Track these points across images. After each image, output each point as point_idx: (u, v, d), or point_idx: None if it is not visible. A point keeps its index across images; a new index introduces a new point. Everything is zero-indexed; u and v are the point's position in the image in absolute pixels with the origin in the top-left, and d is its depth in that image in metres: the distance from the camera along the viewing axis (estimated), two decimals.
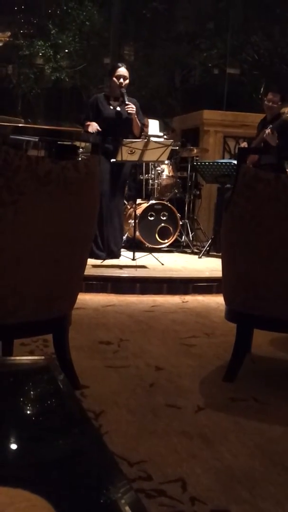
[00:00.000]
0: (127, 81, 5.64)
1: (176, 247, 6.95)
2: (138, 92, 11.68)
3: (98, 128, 5.48)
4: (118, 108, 5.68)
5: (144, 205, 6.57)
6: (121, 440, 2.10)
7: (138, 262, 5.53)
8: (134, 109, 5.52)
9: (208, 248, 6.58)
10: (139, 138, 5.65)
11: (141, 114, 5.77)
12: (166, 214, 6.64)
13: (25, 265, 2.28)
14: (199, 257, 6.42)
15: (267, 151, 5.80)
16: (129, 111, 5.51)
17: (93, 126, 5.49)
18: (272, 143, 5.66)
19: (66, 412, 1.12)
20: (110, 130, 5.59)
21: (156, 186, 6.93)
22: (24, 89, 14.64)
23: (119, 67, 5.69)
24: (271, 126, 5.81)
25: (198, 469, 1.92)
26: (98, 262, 5.47)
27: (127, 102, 5.50)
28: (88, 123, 5.53)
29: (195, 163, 6.92)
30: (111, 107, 5.68)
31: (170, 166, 7.08)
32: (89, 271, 4.44)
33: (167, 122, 11.31)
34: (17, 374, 1.29)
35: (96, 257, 5.53)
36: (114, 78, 5.61)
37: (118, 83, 5.58)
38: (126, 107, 5.51)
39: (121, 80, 5.59)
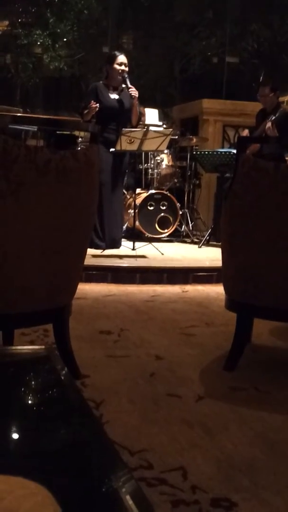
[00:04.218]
0: (127, 68, 5.63)
1: (176, 236, 6.95)
2: (137, 81, 11.62)
3: (96, 107, 5.41)
4: (118, 97, 5.66)
5: (144, 195, 6.56)
6: (122, 429, 2.10)
7: (138, 252, 5.52)
8: (137, 93, 5.51)
9: (208, 238, 6.58)
10: (136, 127, 5.64)
11: (139, 103, 5.75)
12: (166, 203, 6.63)
13: (25, 256, 2.27)
14: (199, 247, 6.42)
15: (267, 140, 5.79)
16: (132, 94, 5.49)
17: (91, 111, 5.42)
18: (271, 135, 5.67)
19: (66, 402, 1.12)
20: (109, 120, 5.58)
21: (155, 175, 6.91)
22: (23, 78, 14.56)
23: (119, 54, 5.70)
24: (273, 117, 5.81)
25: (198, 457, 1.93)
26: (98, 252, 5.46)
27: (130, 86, 5.49)
28: (86, 111, 5.48)
29: (194, 153, 6.90)
30: (111, 96, 5.66)
31: (170, 156, 7.06)
32: (89, 261, 4.44)
33: (167, 112, 11.26)
34: (17, 364, 1.29)
35: (96, 247, 5.52)
36: (116, 65, 5.59)
37: (120, 70, 5.57)
38: (129, 90, 5.49)
39: (123, 67, 5.58)
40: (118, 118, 5.62)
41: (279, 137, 5.64)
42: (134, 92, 5.49)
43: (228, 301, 2.90)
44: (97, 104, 5.38)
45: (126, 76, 5.55)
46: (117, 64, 5.60)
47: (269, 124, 5.70)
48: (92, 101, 5.41)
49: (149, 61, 14.31)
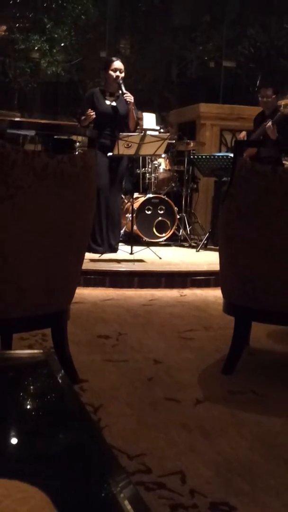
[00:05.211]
0: (123, 74, 5.64)
1: (174, 241, 6.95)
2: (135, 86, 11.64)
3: (93, 115, 5.43)
4: (114, 103, 5.67)
5: (142, 199, 6.57)
6: (120, 434, 2.10)
7: (136, 256, 5.52)
8: (132, 98, 5.52)
9: (205, 242, 6.58)
10: (134, 132, 5.65)
11: (136, 108, 5.77)
12: (164, 208, 6.64)
13: (23, 260, 2.27)
14: (196, 251, 6.42)
15: (265, 144, 5.80)
16: (127, 100, 5.51)
17: (88, 118, 5.45)
18: (272, 136, 5.67)
19: (64, 406, 1.12)
20: (106, 125, 5.59)
21: (153, 180, 6.92)
22: (20, 83, 14.57)
23: (114, 60, 5.70)
24: (271, 119, 5.81)
25: (197, 461, 1.93)
26: (96, 256, 5.46)
27: (125, 92, 5.50)
28: (83, 117, 5.51)
29: (192, 157, 6.91)
30: (107, 102, 5.67)
31: (167, 160, 7.07)
32: (87, 265, 4.44)
33: (164, 116, 11.28)
34: (16, 368, 1.29)
35: (94, 251, 5.52)
36: (111, 72, 5.60)
37: (114, 76, 5.58)
38: (124, 96, 5.51)
39: (118, 73, 5.59)
40: (113, 124, 5.63)
41: (277, 140, 5.64)
42: (129, 97, 5.51)
43: (226, 305, 2.90)
44: (94, 113, 5.40)
45: (121, 82, 5.56)
46: (112, 70, 5.60)
47: (269, 124, 5.70)
48: (89, 109, 5.43)
49: (147, 65, 14.33)
